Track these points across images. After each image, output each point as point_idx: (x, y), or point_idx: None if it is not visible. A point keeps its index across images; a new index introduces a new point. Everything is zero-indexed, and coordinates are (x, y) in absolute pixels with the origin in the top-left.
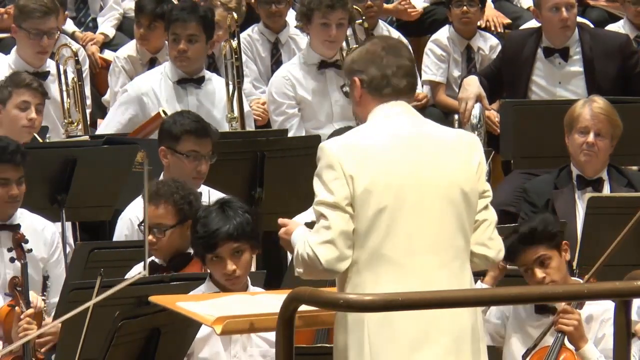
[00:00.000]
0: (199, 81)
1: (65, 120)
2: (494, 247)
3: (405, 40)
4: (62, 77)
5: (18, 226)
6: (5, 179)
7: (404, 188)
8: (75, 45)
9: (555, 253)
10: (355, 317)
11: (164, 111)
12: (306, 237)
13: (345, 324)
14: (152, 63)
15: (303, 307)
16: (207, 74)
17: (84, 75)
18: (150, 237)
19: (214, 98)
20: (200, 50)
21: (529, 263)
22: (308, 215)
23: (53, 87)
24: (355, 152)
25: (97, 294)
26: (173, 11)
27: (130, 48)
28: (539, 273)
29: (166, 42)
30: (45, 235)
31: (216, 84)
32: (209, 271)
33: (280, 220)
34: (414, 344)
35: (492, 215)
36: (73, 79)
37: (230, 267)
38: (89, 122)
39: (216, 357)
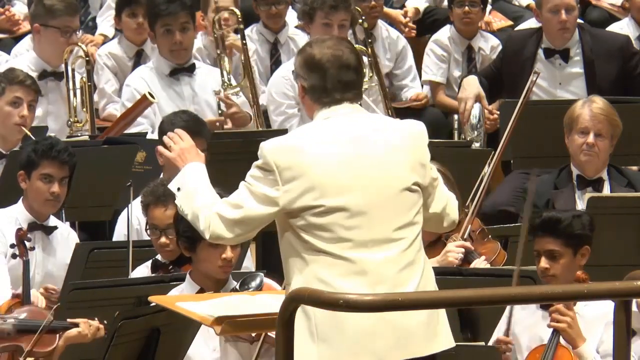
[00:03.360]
0: (191, 69)
1: (72, 119)
2: None
3: (404, 40)
4: (71, 76)
5: (55, 228)
6: (49, 175)
7: (350, 187)
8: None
9: (568, 252)
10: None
11: (149, 93)
12: (216, 202)
13: None
14: (138, 55)
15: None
16: (196, 62)
17: None
18: (164, 239)
19: (206, 85)
20: (193, 38)
21: (540, 249)
22: None
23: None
24: (292, 153)
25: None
26: (160, 5)
27: (111, 45)
28: (544, 263)
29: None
30: (69, 243)
31: (206, 71)
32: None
33: (171, 134)
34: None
35: None
36: (82, 78)
37: (229, 253)
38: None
39: (195, 349)
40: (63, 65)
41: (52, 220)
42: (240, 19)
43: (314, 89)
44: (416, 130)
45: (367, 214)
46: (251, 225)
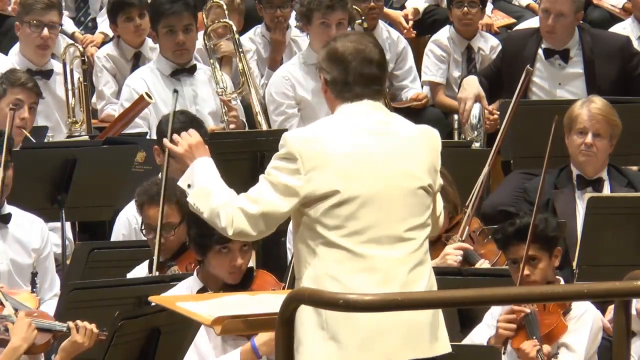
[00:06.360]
0: (192, 70)
1: (69, 120)
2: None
3: (405, 41)
4: (69, 76)
5: (9, 215)
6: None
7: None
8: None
9: (545, 255)
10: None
11: (147, 94)
12: (235, 197)
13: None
14: (136, 58)
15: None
16: (197, 63)
17: None
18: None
19: (207, 85)
20: (195, 39)
21: (518, 257)
22: None
23: (57, 86)
24: (316, 143)
25: None
26: (164, 5)
27: (109, 47)
28: (525, 269)
29: (147, 37)
30: (35, 228)
31: (205, 71)
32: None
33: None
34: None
35: None
36: (79, 78)
37: (240, 260)
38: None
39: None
40: (49, 64)
41: (7, 209)
42: (233, 29)
43: (335, 82)
44: (433, 135)
45: (384, 209)
46: (272, 218)
